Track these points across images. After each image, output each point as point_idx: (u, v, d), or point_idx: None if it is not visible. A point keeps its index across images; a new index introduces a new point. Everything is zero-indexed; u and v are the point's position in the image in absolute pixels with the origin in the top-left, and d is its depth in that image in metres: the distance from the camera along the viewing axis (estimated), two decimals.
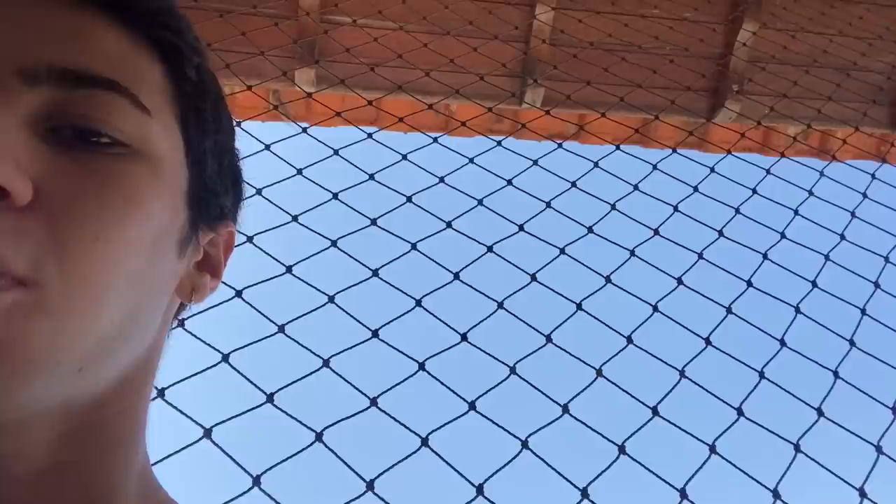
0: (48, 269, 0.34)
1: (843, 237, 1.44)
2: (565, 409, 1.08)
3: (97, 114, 0.37)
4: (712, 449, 1.05)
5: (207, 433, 1.00)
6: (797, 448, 1.08)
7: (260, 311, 1.15)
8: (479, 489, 0.98)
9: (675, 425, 1.08)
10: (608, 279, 1.28)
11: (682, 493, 0.98)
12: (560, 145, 1.56)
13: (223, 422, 1.01)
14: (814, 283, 1.33)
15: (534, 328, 1.17)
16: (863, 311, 1.29)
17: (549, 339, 1.17)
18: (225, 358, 1.10)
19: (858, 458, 1.07)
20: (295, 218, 1.33)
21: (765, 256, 1.36)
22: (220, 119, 0.47)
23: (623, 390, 1.12)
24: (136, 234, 0.38)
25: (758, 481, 1.01)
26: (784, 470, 1.02)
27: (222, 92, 0.48)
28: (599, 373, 1.13)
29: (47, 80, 0.36)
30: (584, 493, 0.97)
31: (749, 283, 1.31)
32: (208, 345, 1.09)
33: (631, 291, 1.26)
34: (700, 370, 1.15)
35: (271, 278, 1.21)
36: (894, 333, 1.25)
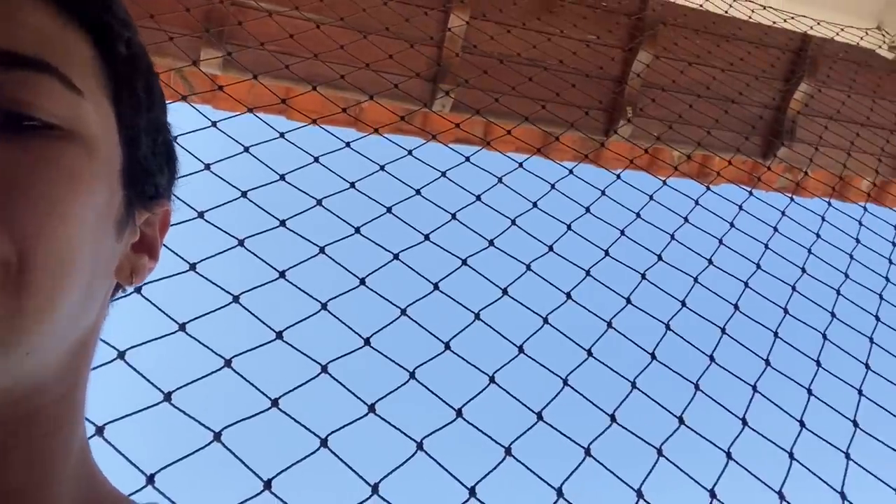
0: (3, 248, 0.33)
1: (710, 262, 1.60)
2: (459, 412, 1.16)
3: (28, 97, 0.36)
4: (587, 452, 1.16)
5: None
6: (659, 452, 1.21)
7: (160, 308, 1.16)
8: (375, 488, 1.04)
9: (557, 430, 1.19)
10: (505, 291, 1.37)
11: (559, 492, 1.08)
12: (467, 159, 1.64)
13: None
14: (683, 303, 1.48)
15: (435, 336, 1.24)
16: (723, 331, 1.45)
17: (447, 346, 1.25)
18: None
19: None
20: (201, 214, 1.33)
21: (643, 276, 1.50)
22: (153, 95, 0.46)
23: (512, 396, 1.21)
24: (82, 214, 0.37)
25: (624, 481, 1.13)
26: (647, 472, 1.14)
27: (153, 67, 0.47)
28: (492, 379, 1.22)
29: None
30: (472, 491, 1.06)
31: (628, 301, 1.44)
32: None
33: (525, 304, 1.36)
34: (582, 379, 1.27)
35: (175, 275, 1.21)
36: (747, 350, 1.42)
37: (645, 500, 1.11)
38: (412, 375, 1.18)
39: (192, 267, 1.21)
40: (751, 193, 2.07)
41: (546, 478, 1.09)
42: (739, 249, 1.66)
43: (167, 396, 1.03)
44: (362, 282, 1.29)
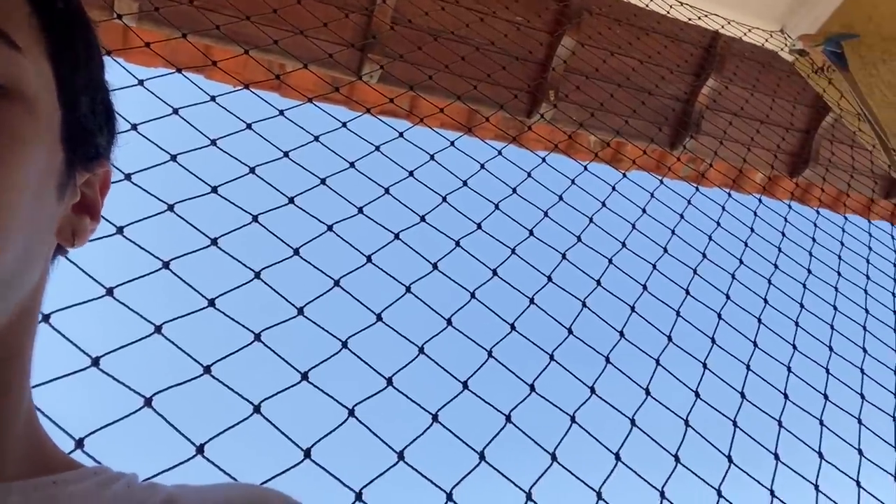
0: None
1: (623, 244, 1.71)
2: (435, 418, 1.19)
3: None
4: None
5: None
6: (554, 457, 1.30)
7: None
8: (307, 453, 1.07)
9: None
10: (435, 265, 1.42)
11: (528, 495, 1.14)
12: (401, 135, 1.66)
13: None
14: (598, 282, 1.59)
15: (367, 307, 1.28)
16: (632, 308, 1.57)
17: (379, 317, 1.28)
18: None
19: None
20: (128, 177, 1.29)
21: (563, 256, 1.59)
22: (92, 52, 0.45)
23: (440, 366, 1.27)
24: (23, 175, 0.36)
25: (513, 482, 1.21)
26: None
27: (91, 23, 0.45)
28: (422, 350, 1.27)
29: None
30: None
31: (549, 279, 1.53)
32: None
33: (454, 279, 1.42)
34: (504, 352, 1.34)
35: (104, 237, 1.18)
36: (654, 328, 1.54)
37: (559, 463, 1.20)
38: (345, 345, 1.22)
39: (120, 231, 1.19)
40: (661, 182, 2.21)
41: (472, 443, 1.16)
42: (650, 234, 1.78)
43: (95, 361, 1.01)
44: (296, 252, 1.31)
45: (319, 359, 1.17)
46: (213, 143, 1.43)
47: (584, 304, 1.51)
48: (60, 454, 0.46)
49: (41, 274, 0.43)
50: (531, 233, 1.59)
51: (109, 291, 1.10)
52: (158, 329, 1.10)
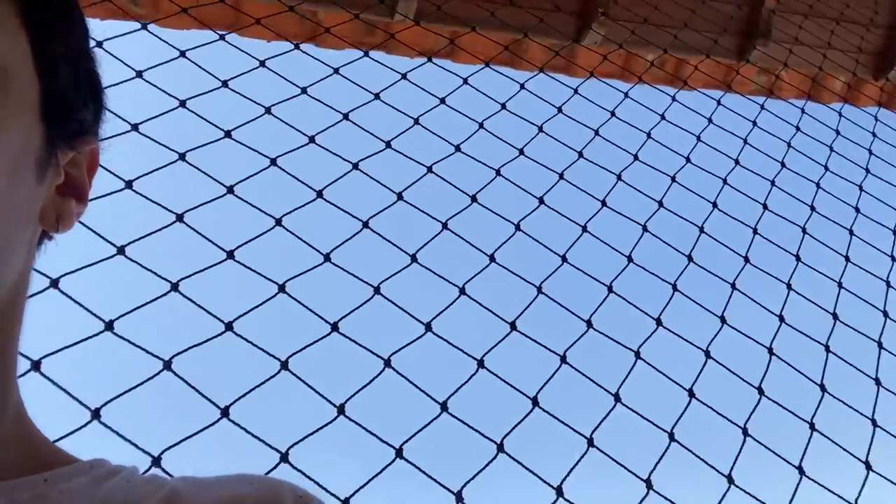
0: None
1: (688, 160, 1.54)
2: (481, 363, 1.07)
3: None
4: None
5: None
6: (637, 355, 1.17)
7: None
8: (341, 409, 0.98)
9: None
10: (474, 198, 1.30)
11: (534, 401, 1.04)
12: (430, 60, 1.52)
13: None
14: (660, 203, 1.42)
15: (401, 249, 1.17)
16: (701, 230, 1.40)
17: (413, 258, 1.17)
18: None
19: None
20: (135, 127, 1.21)
21: (619, 178, 1.43)
22: (71, 18, 0.42)
23: (483, 307, 1.15)
24: None
25: (602, 386, 1.09)
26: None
27: None
28: (463, 291, 1.15)
29: None
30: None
31: (603, 203, 1.38)
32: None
33: (495, 211, 1.29)
34: (557, 286, 1.21)
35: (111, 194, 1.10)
36: (727, 250, 1.37)
37: (623, 404, 1.08)
38: (377, 291, 1.11)
39: (129, 185, 1.11)
40: (719, 102, 1.98)
41: (523, 388, 1.04)
42: (718, 147, 1.59)
43: (108, 325, 0.94)
44: (319, 195, 1.20)
45: (347, 308, 1.07)
46: (304, 91, 1.32)
47: (644, 229, 1.36)
48: (55, 449, 0.43)
49: (23, 263, 0.40)
50: (580, 155, 1.44)
51: (121, 250, 1.02)
52: (175, 287, 1.02)
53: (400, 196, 1.26)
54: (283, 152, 1.24)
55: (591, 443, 1.05)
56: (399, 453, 0.96)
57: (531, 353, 1.12)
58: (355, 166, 1.26)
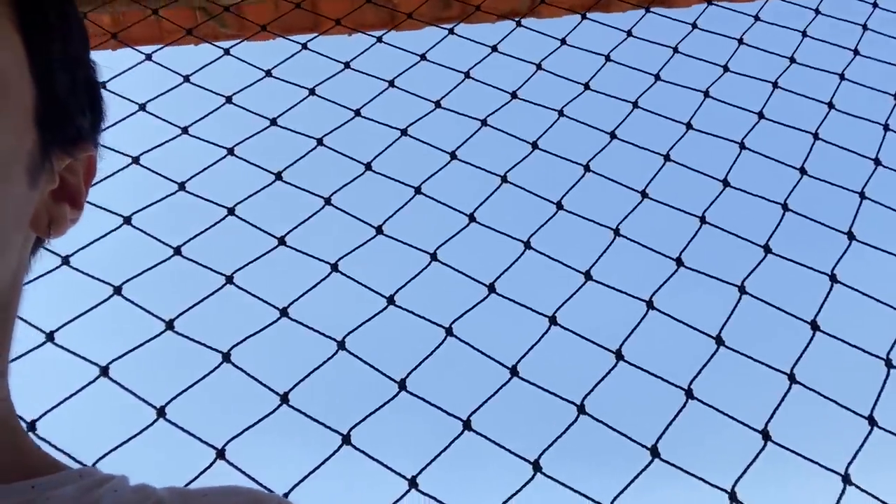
0: None
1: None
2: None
3: None
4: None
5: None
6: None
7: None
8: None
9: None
10: (587, 168, 1.15)
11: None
12: (519, 23, 1.38)
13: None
14: (815, 136, 1.20)
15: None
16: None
17: (528, 246, 1.05)
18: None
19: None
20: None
21: (761, 116, 1.22)
22: (68, 24, 0.42)
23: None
24: None
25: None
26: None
27: None
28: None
29: None
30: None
31: (742, 146, 1.18)
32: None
33: (615, 179, 1.14)
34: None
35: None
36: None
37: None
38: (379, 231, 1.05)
39: (136, 160, 1.11)
40: None
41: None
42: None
43: (117, 290, 0.98)
44: (418, 191, 1.11)
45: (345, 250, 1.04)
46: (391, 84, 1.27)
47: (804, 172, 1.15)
48: (43, 456, 0.43)
49: (16, 268, 0.40)
50: (706, 95, 1.24)
51: (127, 220, 1.04)
52: (178, 251, 1.03)
53: (504, 178, 1.14)
54: (377, 153, 1.16)
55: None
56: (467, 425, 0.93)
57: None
58: (453, 156, 1.16)
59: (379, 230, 1.08)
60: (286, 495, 0.88)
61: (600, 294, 1.06)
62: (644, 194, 1.15)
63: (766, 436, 0.95)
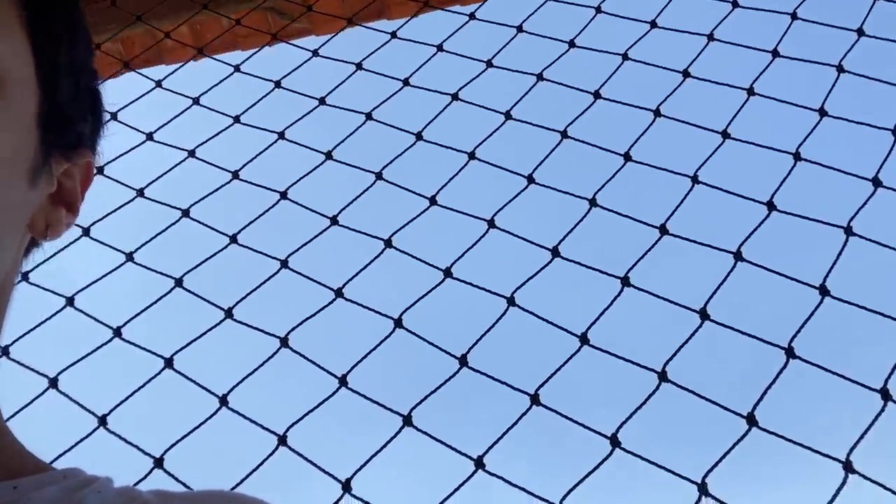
0: None
1: None
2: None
3: None
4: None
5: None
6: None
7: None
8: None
9: None
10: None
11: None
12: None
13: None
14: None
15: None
16: None
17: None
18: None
19: None
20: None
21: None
22: (76, 32, 0.43)
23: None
24: None
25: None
26: None
27: (78, 2, 0.43)
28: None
29: None
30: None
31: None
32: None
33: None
34: None
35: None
36: None
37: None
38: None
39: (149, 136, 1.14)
40: None
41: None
42: None
43: (129, 256, 1.03)
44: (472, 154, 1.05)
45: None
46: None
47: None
48: (28, 456, 0.42)
49: (9, 268, 0.40)
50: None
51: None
52: (186, 213, 1.06)
53: (564, 134, 1.05)
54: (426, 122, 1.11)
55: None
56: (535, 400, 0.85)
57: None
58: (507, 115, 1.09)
59: (433, 201, 1.03)
60: (349, 480, 0.86)
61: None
62: None
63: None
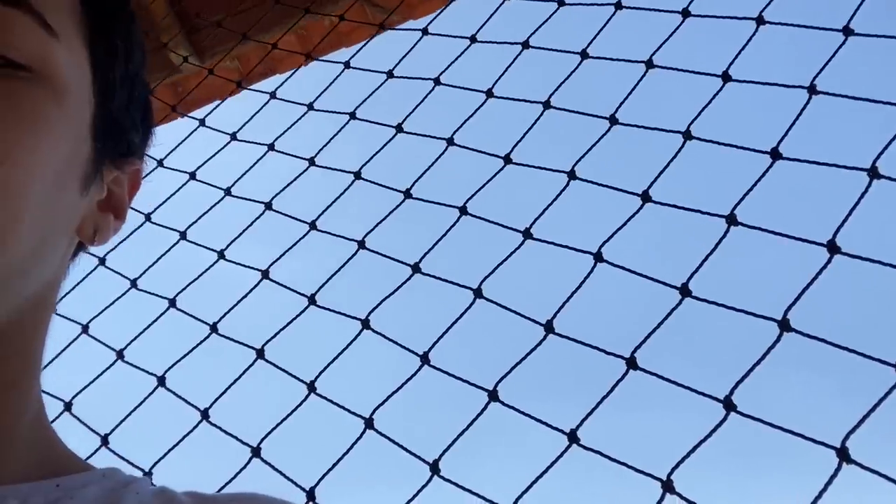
0: None
1: None
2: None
3: None
4: None
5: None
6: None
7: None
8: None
9: None
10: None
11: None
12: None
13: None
14: None
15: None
16: None
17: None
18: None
19: None
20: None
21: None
22: (132, 46, 0.44)
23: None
24: (40, 161, 0.36)
25: None
26: None
27: (135, 16, 0.45)
28: None
29: None
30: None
31: None
32: None
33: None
34: None
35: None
36: None
37: None
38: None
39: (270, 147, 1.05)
40: None
41: None
42: None
43: (311, 299, 0.98)
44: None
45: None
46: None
47: None
48: (69, 455, 0.44)
49: (58, 268, 0.41)
50: None
51: (313, 224, 1.04)
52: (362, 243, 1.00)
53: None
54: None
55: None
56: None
57: None
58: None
59: (507, 159, 0.96)
60: (438, 460, 0.82)
61: None
62: None
63: None
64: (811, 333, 0.70)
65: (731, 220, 0.83)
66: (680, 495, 0.71)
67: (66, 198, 0.39)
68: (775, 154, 0.82)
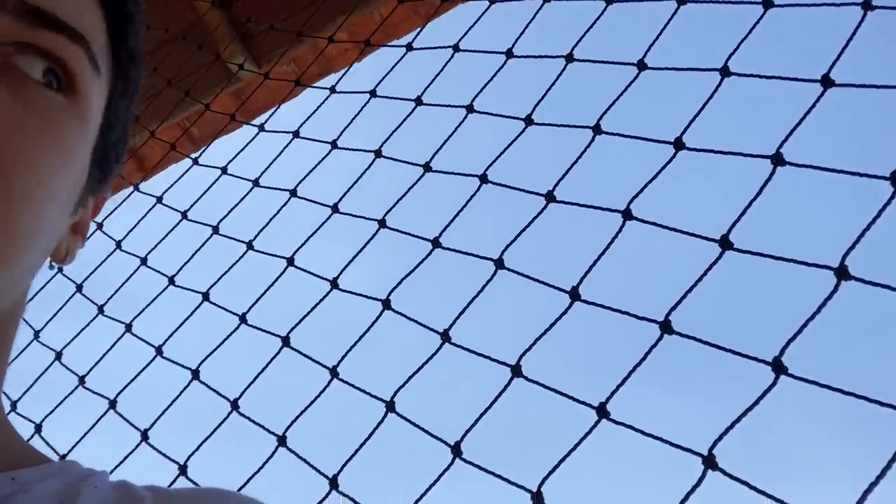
0: None
1: None
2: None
3: (73, 64, 0.37)
4: None
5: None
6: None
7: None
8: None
9: None
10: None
11: None
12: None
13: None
14: None
15: None
16: None
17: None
18: None
19: None
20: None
21: None
22: (137, 87, 0.46)
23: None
24: (61, 185, 0.38)
25: None
26: None
27: (143, 60, 0.47)
28: None
29: (12, 11, 0.35)
30: None
31: None
32: None
33: None
34: None
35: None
36: None
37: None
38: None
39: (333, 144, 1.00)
40: None
41: None
42: None
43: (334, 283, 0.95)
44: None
45: None
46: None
47: None
48: (26, 448, 0.44)
49: (28, 286, 0.43)
50: None
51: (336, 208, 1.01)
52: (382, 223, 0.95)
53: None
54: None
55: None
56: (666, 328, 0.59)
57: None
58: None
59: (528, 120, 0.88)
60: (460, 442, 0.76)
61: None
62: None
63: None
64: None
65: (777, 158, 0.73)
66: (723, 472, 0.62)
67: (62, 220, 0.41)
68: None
